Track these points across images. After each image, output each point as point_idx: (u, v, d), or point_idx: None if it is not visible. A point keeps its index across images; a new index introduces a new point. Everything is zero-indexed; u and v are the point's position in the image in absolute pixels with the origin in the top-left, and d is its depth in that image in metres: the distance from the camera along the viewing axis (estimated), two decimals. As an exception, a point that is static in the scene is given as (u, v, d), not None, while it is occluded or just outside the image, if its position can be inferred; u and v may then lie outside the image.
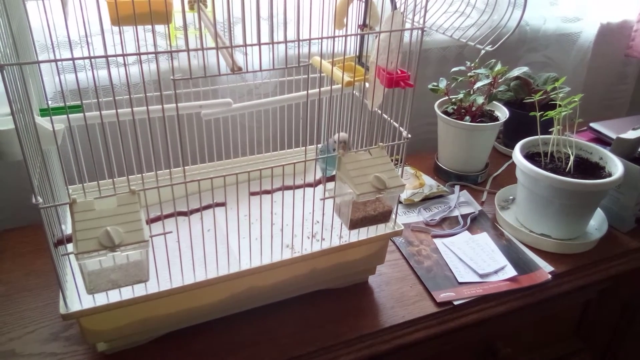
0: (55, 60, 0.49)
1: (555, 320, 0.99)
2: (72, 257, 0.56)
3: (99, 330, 0.67)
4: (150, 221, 0.65)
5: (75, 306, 0.63)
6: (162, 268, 0.65)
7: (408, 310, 0.80)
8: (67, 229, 0.77)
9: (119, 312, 0.65)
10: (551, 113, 0.94)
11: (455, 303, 0.81)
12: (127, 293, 0.64)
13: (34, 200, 0.55)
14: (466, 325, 0.79)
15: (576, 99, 0.94)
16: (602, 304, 1.01)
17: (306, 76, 0.90)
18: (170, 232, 0.63)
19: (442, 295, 0.82)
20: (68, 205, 0.58)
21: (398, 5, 0.69)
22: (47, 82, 0.89)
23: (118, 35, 0.58)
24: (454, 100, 1.12)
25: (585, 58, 1.47)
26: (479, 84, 1.08)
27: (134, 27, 0.59)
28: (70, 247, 0.58)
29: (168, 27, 0.59)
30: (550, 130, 0.97)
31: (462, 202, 1.07)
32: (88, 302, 0.63)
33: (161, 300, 0.66)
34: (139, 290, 0.64)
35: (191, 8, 0.79)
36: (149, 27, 0.66)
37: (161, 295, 0.65)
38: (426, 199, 1.07)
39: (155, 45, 0.57)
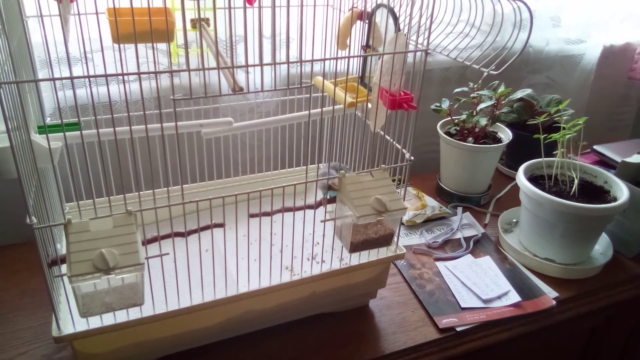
0: (53, 79, 0.48)
1: (560, 347, 0.97)
2: (66, 278, 0.54)
3: (93, 353, 0.65)
4: (147, 242, 0.64)
5: (68, 328, 0.61)
6: (157, 290, 0.64)
7: (409, 336, 0.78)
8: (63, 248, 0.76)
9: (113, 335, 0.63)
10: (555, 135, 0.94)
11: (458, 329, 0.79)
12: (121, 316, 0.62)
13: (28, 221, 0.54)
14: (469, 352, 0.77)
15: (580, 122, 0.93)
16: (608, 330, 0.98)
17: (308, 95, 0.89)
18: (167, 253, 0.62)
19: (445, 321, 0.80)
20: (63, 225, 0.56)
21: (401, 27, 0.68)
22: (47, 98, 0.88)
23: (120, 52, 0.58)
24: (456, 121, 1.11)
25: (588, 80, 1.47)
26: (482, 105, 1.07)
27: (135, 45, 0.58)
28: (64, 267, 0.57)
29: (169, 45, 0.58)
30: (554, 152, 0.96)
31: (464, 224, 1.05)
32: (81, 324, 0.61)
33: (156, 324, 0.65)
34: (133, 313, 0.63)
35: (193, 27, 0.79)
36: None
37: (156, 318, 0.63)
38: (428, 221, 1.05)
39: (155, 64, 0.56)
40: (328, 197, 0.73)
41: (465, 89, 1.11)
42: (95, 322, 0.61)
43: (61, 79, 0.49)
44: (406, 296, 0.86)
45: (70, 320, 0.62)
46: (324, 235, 0.71)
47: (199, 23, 0.57)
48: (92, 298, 0.58)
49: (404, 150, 0.73)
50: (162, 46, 0.95)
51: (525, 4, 0.61)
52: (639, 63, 1.53)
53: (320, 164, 0.86)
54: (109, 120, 0.85)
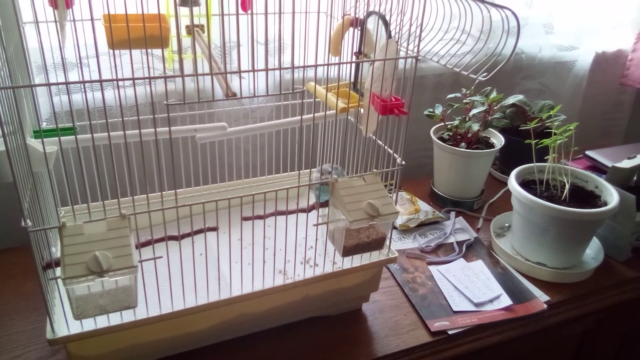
0: (49, 84, 0.49)
1: (551, 351, 0.98)
2: (60, 281, 0.55)
3: (86, 356, 0.66)
4: (141, 245, 0.65)
5: (62, 331, 0.62)
6: (151, 293, 0.65)
7: (402, 339, 0.78)
8: (58, 251, 0.77)
9: (106, 338, 0.64)
10: (546, 141, 0.95)
11: (450, 332, 0.79)
12: (115, 318, 0.63)
13: (23, 224, 0.54)
14: (460, 356, 0.78)
15: (571, 127, 0.94)
16: (599, 334, 0.99)
17: (302, 101, 0.90)
18: (161, 257, 0.62)
19: (437, 325, 0.80)
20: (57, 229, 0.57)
21: (393, 33, 0.69)
22: (43, 104, 0.89)
23: (116, 58, 0.59)
24: (449, 126, 1.12)
25: (580, 86, 1.48)
26: (474, 111, 1.08)
27: (129, 50, 0.59)
28: (59, 270, 0.57)
29: (163, 51, 0.59)
30: (545, 157, 0.97)
31: (457, 229, 1.06)
32: (75, 327, 0.62)
33: (150, 327, 0.65)
34: (127, 316, 0.63)
35: (188, 33, 0.80)
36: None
37: (150, 321, 0.64)
38: (422, 225, 1.06)
39: (149, 69, 0.57)
40: (320, 193, 0.74)
41: (458, 94, 1.13)
42: (89, 325, 0.62)
43: (57, 84, 0.50)
44: (399, 300, 0.86)
45: (65, 323, 0.62)
46: (316, 239, 0.72)
47: (192, 29, 0.58)
48: (86, 300, 0.59)
49: (395, 155, 0.74)
50: (158, 52, 0.96)
51: (512, 12, 0.62)
52: (630, 69, 1.54)
53: (313, 169, 0.87)
54: (104, 125, 0.86)
